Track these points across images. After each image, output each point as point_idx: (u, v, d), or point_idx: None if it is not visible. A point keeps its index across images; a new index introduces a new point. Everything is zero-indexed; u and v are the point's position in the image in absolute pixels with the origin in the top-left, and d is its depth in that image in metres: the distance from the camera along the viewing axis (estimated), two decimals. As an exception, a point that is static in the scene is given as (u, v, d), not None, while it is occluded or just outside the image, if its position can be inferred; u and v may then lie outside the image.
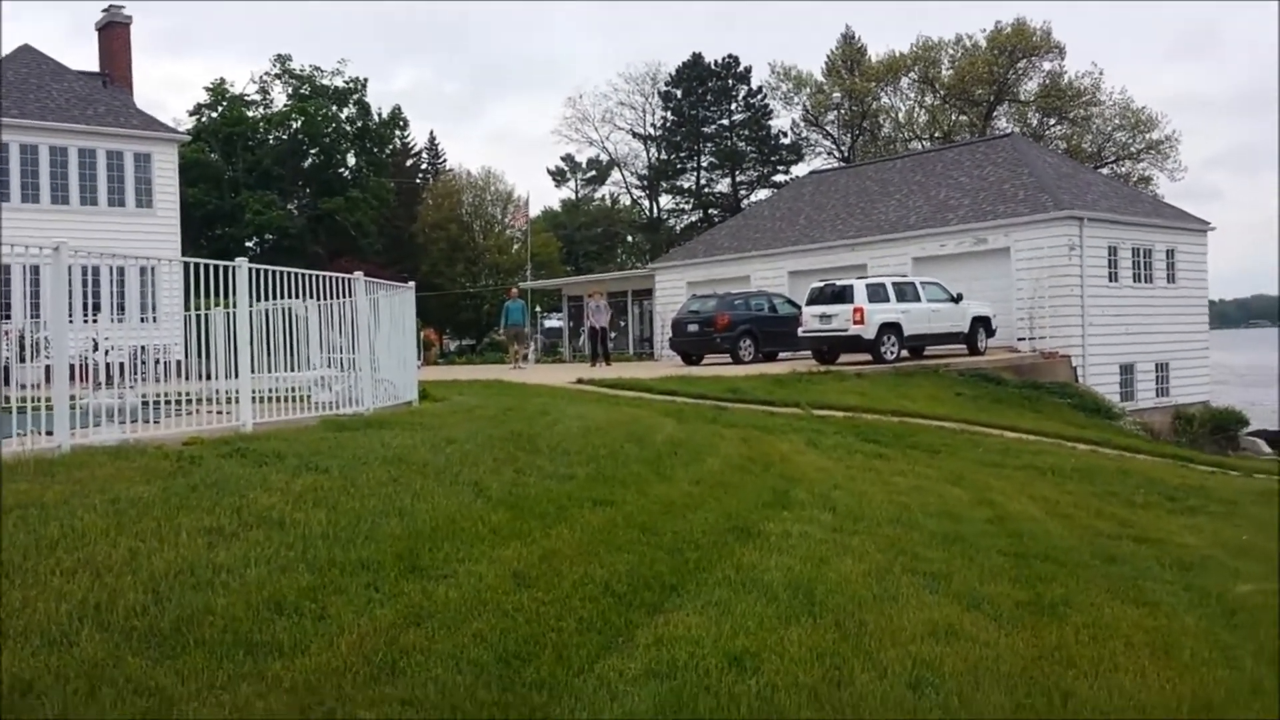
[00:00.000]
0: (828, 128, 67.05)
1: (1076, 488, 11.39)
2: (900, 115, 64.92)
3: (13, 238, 8.48)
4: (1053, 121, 59.43)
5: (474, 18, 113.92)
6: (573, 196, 77.85)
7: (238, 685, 4.01)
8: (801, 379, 20.22)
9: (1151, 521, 9.75)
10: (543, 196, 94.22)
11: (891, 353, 23.13)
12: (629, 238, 75.06)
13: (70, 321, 8.07)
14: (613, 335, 33.18)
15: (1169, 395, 29.01)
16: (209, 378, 10.04)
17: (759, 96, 67.86)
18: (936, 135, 60.53)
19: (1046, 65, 58.24)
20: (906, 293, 23.77)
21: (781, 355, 27.50)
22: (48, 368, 8.01)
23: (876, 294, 23.20)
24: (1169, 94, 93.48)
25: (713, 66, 68.20)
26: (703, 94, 68.31)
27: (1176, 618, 6.16)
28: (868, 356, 23.11)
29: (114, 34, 32.42)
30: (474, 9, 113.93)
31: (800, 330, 24.39)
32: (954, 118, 61.51)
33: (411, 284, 13.77)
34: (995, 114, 60.05)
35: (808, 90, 65.93)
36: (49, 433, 7.74)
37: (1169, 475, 13.54)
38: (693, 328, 27.48)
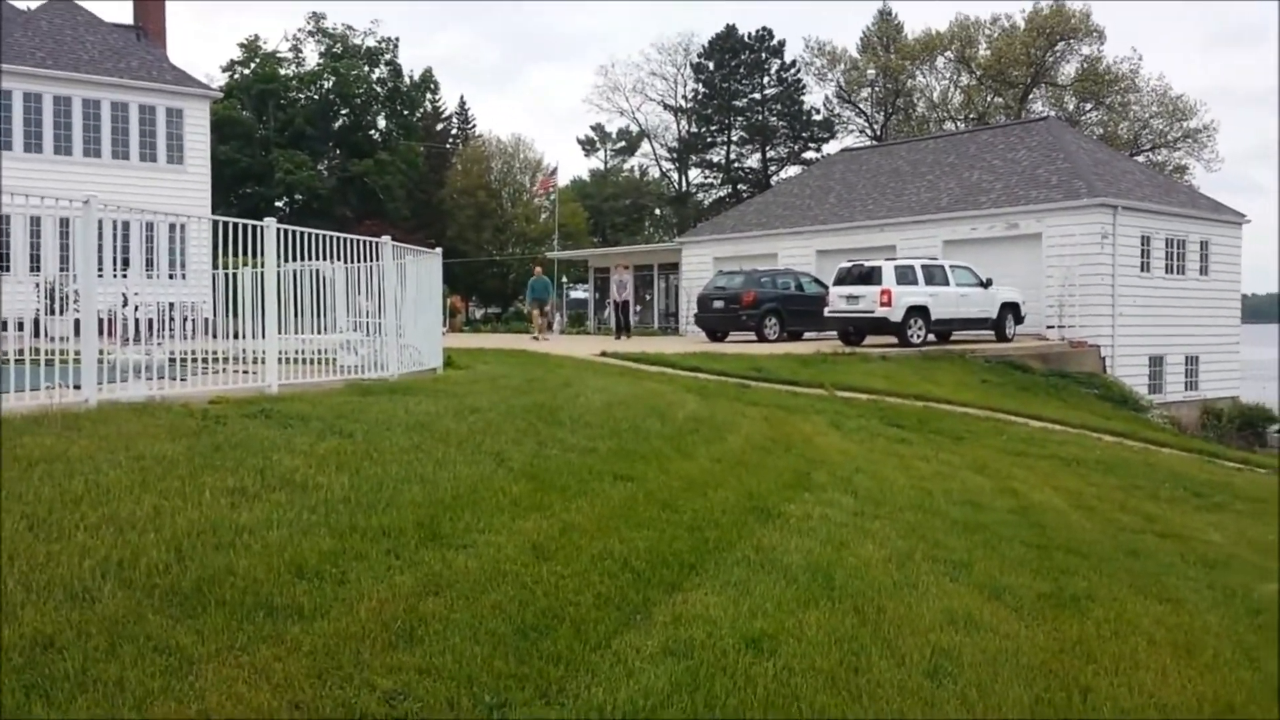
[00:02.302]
0: (861, 105, 66.49)
1: (1101, 480, 11.30)
2: (935, 95, 64.29)
3: (44, 189, 8.50)
4: (1089, 106, 58.66)
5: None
6: (601, 167, 77.64)
7: (257, 647, 4.03)
8: (826, 360, 20.13)
9: (1176, 517, 9.66)
10: (572, 166, 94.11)
11: (918, 336, 22.96)
12: (656, 210, 74.80)
13: (100, 275, 8.10)
14: (637, 309, 33.18)
15: (1198, 389, 28.74)
16: (236, 337, 10.07)
17: (792, 71, 67.27)
18: (971, 116, 59.89)
19: (1085, 49, 57.49)
20: (935, 276, 23.56)
21: (807, 335, 27.39)
22: (77, 321, 8.05)
23: (905, 276, 23.02)
24: (1210, 83, 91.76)
25: (746, 39, 67.65)
26: (735, 67, 67.76)
27: (1199, 615, 6.10)
28: (894, 339, 22.97)
29: (149, -13, 32.47)
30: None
31: (827, 310, 24.26)
32: (989, 99, 60.79)
33: (438, 250, 13.76)
34: (1031, 97, 59.31)
35: (842, 66, 65.28)
36: (77, 386, 7.79)
37: (1195, 470, 13.43)
38: (718, 304, 27.38)
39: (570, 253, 49.15)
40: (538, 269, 32.08)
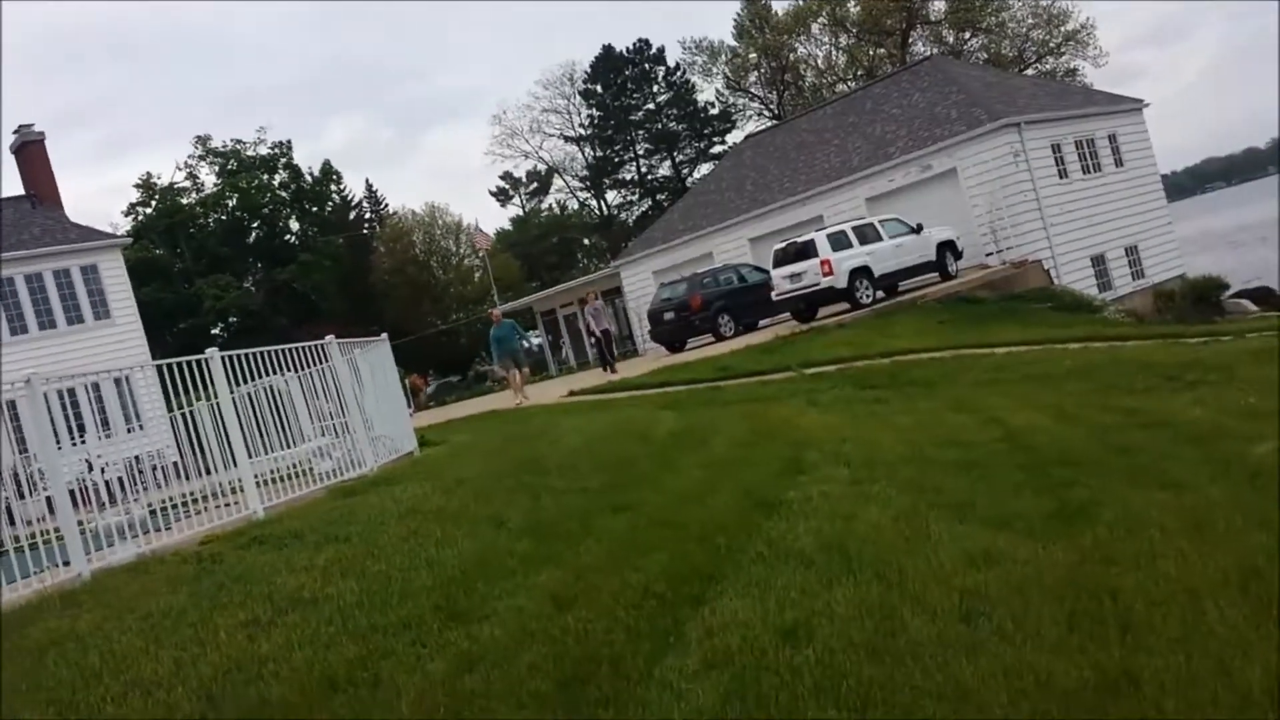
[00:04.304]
0: (752, 90, 67.15)
1: (1077, 388, 11.47)
2: (819, 62, 65.01)
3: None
4: (968, 35, 59.58)
5: (388, 64, 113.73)
6: (520, 212, 77.69)
7: (312, 770, 4.02)
8: (786, 342, 20.30)
9: (1156, 404, 9.83)
10: (491, 219, 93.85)
11: (867, 296, 23.20)
12: (585, 240, 75.01)
13: (59, 448, 8.03)
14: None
15: (1145, 276, 29.20)
16: (208, 473, 10.00)
17: (678, 74, 67.97)
18: (859, 74, 60.60)
19: (949, -19, 58.36)
20: (868, 235, 23.83)
21: (762, 323, 27.55)
22: (49, 499, 7.97)
23: (839, 242, 23.25)
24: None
25: (625, 54, 68.20)
26: (622, 84, 68.33)
27: (1202, 493, 6.22)
28: (845, 305, 23.18)
29: (30, 153, 32.09)
30: (386, 56, 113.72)
31: (774, 295, 24.43)
32: (871, 53, 61.58)
33: (384, 335, 13.73)
34: (911, 40, 60.17)
35: (724, 58, 65.98)
36: (66, 563, 7.70)
37: (1163, 355, 13.66)
38: (669, 316, 27.49)
39: (513, 304, 49.09)
40: (495, 314, 24.93)
